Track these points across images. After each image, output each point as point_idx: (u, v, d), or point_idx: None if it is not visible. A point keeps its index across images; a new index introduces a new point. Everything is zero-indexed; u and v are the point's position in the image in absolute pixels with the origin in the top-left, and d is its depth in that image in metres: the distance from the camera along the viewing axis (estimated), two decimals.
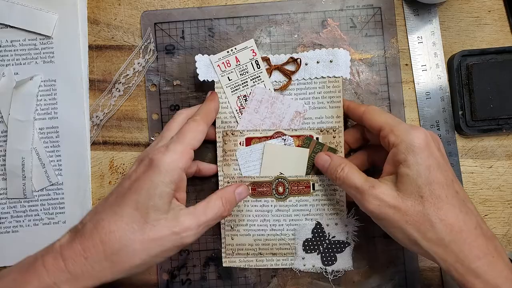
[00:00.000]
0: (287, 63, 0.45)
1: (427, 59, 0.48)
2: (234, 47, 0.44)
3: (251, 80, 0.44)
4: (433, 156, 0.35)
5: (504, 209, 0.47)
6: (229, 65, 0.44)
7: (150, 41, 0.47)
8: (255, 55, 0.44)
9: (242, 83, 0.44)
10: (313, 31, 0.47)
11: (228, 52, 0.44)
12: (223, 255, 0.45)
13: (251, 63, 0.44)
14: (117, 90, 0.48)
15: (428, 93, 0.47)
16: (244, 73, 0.44)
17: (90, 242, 0.33)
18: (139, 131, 0.48)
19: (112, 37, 0.48)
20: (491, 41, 0.48)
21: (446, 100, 0.47)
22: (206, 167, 0.45)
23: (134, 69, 0.47)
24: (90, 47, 0.48)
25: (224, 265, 0.46)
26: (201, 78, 0.44)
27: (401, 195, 0.35)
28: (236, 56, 0.44)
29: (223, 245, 0.45)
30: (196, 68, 0.44)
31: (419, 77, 0.48)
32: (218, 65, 0.44)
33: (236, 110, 0.45)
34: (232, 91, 0.44)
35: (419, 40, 0.48)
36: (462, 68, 0.46)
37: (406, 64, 0.48)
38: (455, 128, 0.47)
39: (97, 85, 0.48)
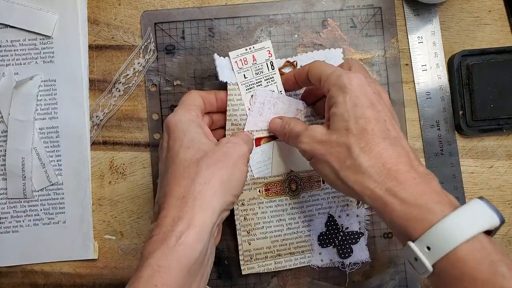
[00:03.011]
0: (284, 66, 0.46)
1: (427, 59, 0.48)
2: (252, 45, 0.43)
3: (265, 80, 0.44)
4: (365, 96, 0.35)
5: (504, 209, 0.47)
6: (246, 62, 0.43)
7: (150, 41, 0.47)
8: (271, 56, 0.44)
9: (257, 82, 0.44)
10: (313, 31, 0.47)
11: (246, 50, 0.43)
12: (241, 262, 0.44)
13: (267, 63, 0.44)
14: (117, 90, 0.48)
15: (429, 93, 0.47)
16: (259, 73, 0.44)
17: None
18: (139, 131, 0.48)
19: (112, 37, 0.48)
20: (491, 41, 0.48)
21: (446, 100, 0.47)
22: (216, 117, 0.44)
23: (134, 69, 0.47)
24: (90, 47, 0.48)
25: (243, 273, 0.45)
26: (221, 78, 0.43)
27: (329, 131, 0.35)
28: (253, 55, 0.44)
29: (240, 252, 0.44)
30: (216, 67, 0.43)
31: (419, 77, 0.48)
32: (236, 62, 0.43)
33: (249, 108, 0.44)
34: (246, 89, 0.44)
35: (419, 40, 0.48)
36: (463, 68, 0.46)
37: (407, 64, 0.48)
38: (456, 128, 0.47)
39: (97, 85, 0.48)
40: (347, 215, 0.45)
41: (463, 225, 0.29)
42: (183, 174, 0.34)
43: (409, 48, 0.48)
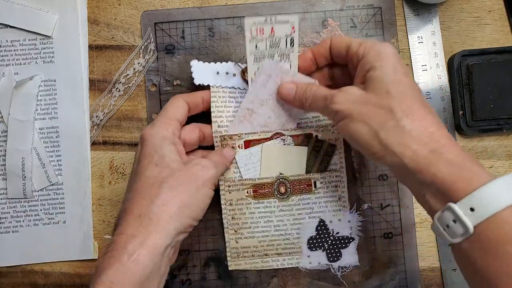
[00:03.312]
0: None
1: (427, 59, 0.48)
2: (275, 16, 0.39)
3: (278, 55, 0.41)
4: (400, 65, 0.36)
5: None
6: (262, 33, 0.40)
7: (150, 41, 0.47)
8: (293, 32, 0.40)
9: (269, 55, 0.41)
10: (314, 31, 0.47)
11: (266, 20, 0.39)
12: (228, 258, 0.45)
13: (286, 39, 0.40)
14: (117, 90, 0.48)
15: (429, 93, 0.47)
16: (275, 47, 0.40)
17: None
18: (139, 131, 0.47)
19: (112, 37, 0.48)
20: (491, 41, 0.48)
21: (447, 100, 0.47)
22: (211, 131, 0.44)
23: (134, 69, 0.47)
24: (90, 47, 0.48)
25: (230, 268, 0.45)
26: (196, 82, 0.44)
27: (368, 92, 0.35)
28: (272, 27, 0.39)
29: (227, 249, 0.45)
30: (192, 72, 0.44)
31: (419, 77, 0.48)
32: (251, 29, 0.39)
33: (252, 80, 0.42)
34: (254, 60, 0.41)
35: (419, 40, 0.48)
36: (463, 68, 0.46)
37: (407, 64, 0.48)
38: (456, 128, 0.47)
39: (97, 85, 0.48)
40: (339, 220, 0.45)
41: (509, 189, 0.29)
42: (144, 194, 0.35)
43: (409, 48, 0.48)
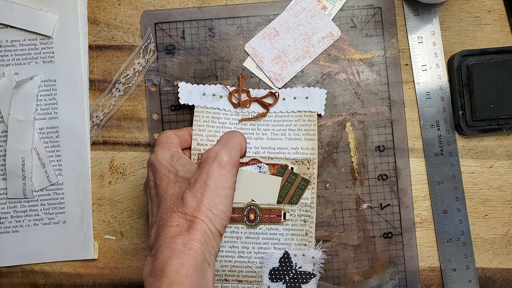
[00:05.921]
0: (266, 96, 0.46)
1: (427, 59, 0.48)
2: None
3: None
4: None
5: (504, 209, 0.47)
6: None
7: (150, 41, 0.47)
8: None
9: None
10: None
11: None
12: None
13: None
14: (117, 90, 0.48)
15: (428, 93, 0.47)
16: None
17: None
18: (139, 131, 0.48)
19: (112, 37, 0.48)
20: (491, 41, 0.48)
21: (446, 100, 0.47)
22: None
23: (134, 69, 0.47)
24: (90, 47, 0.48)
25: None
26: (181, 101, 0.45)
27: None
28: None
29: None
30: (178, 92, 0.45)
31: (419, 77, 0.48)
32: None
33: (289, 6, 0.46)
34: None
35: (419, 40, 0.48)
36: (462, 68, 0.46)
37: (406, 64, 0.48)
38: (455, 128, 0.47)
39: (97, 85, 0.48)
40: (303, 255, 0.44)
41: None
42: (174, 208, 0.37)
43: (409, 48, 0.48)
